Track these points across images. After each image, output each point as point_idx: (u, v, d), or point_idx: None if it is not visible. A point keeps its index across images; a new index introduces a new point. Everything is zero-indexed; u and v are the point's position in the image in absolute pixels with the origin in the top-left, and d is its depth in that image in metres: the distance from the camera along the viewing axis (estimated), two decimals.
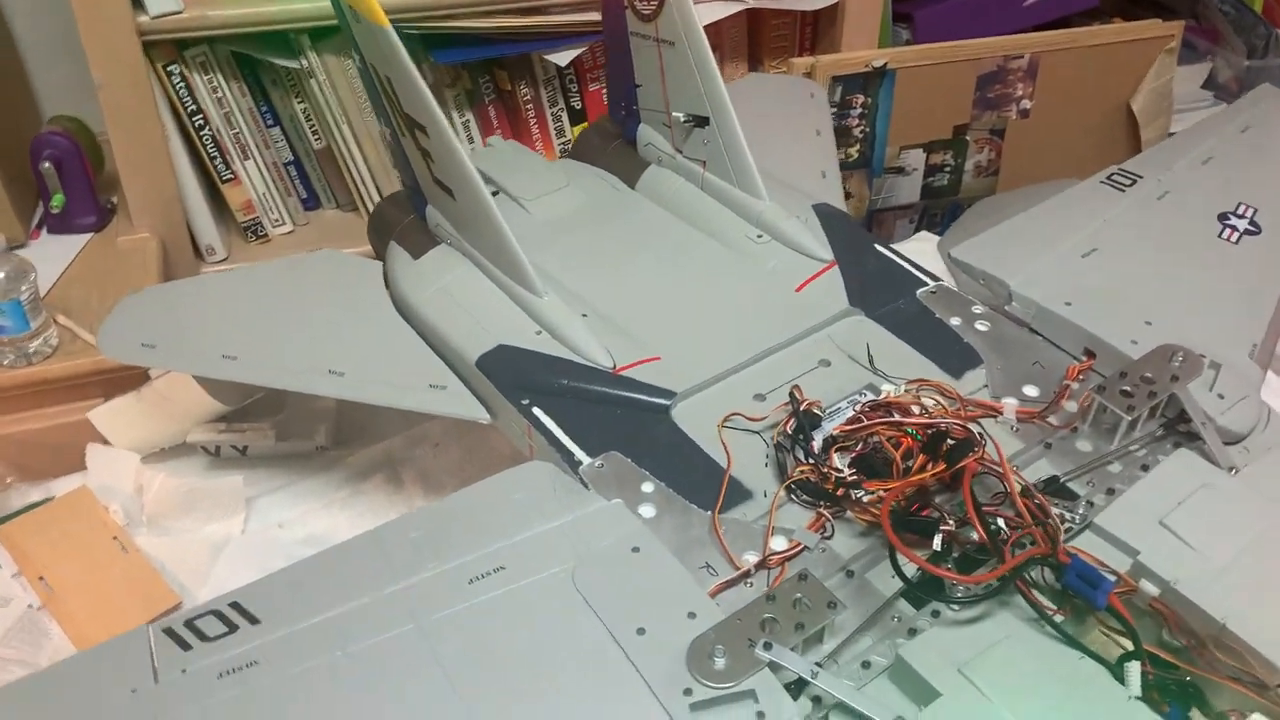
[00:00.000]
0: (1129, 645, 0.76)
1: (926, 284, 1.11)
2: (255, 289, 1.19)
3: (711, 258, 1.16)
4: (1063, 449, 0.93)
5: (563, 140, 1.82)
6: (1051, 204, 1.22)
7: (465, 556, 0.81)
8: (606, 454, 0.92)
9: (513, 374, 1.00)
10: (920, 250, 1.72)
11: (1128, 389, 0.93)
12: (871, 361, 1.01)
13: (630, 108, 1.29)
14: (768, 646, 0.73)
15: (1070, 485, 0.90)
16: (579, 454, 0.92)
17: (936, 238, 1.75)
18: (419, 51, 1.64)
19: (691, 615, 0.76)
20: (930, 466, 0.86)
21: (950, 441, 0.86)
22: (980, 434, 0.88)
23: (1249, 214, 1.19)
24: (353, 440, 1.30)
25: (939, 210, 2.02)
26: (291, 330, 1.12)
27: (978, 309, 1.08)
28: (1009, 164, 1.99)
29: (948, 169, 1.96)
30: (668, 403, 0.97)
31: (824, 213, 1.19)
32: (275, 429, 1.25)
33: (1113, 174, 1.27)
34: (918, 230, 2.02)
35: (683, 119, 1.19)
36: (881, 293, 1.10)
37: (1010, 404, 0.97)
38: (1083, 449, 0.93)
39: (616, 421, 0.96)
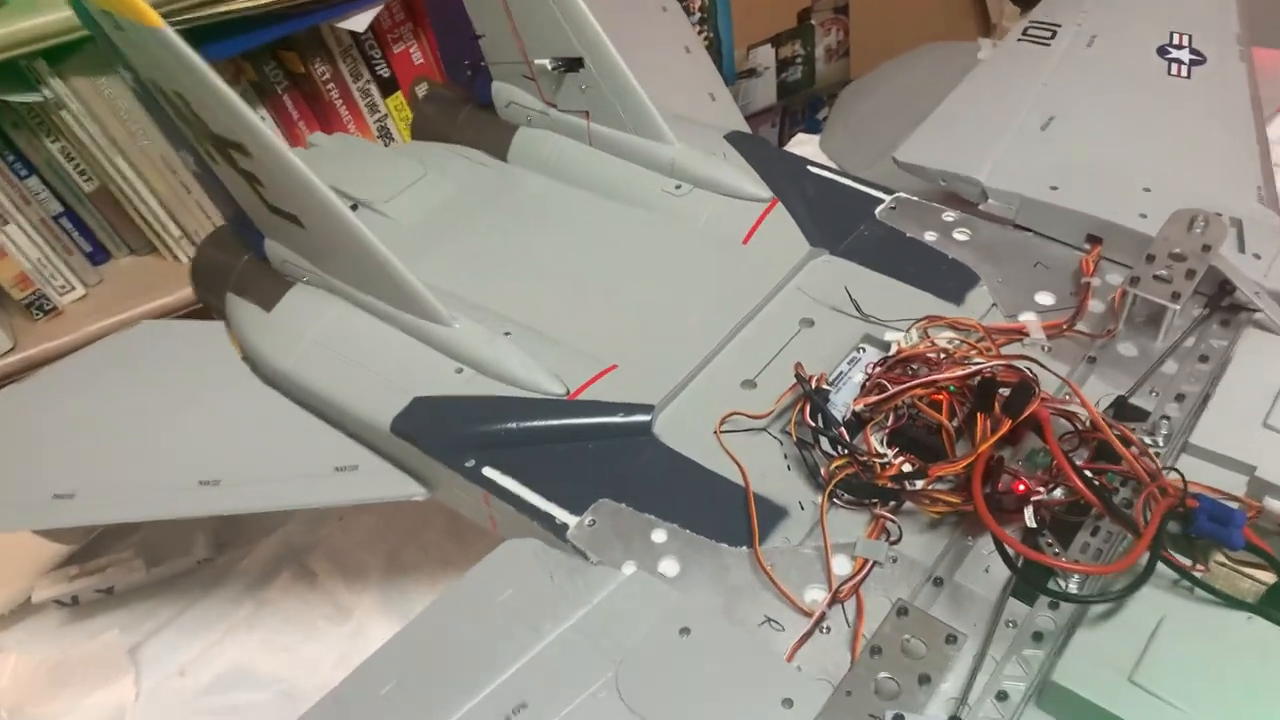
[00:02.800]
0: (1265, 579, 0.63)
1: (881, 199, 0.95)
2: (72, 394, 0.92)
3: (631, 226, 0.96)
4: (1108, 360, 0.80)
5: (377, 116, 1.56)
6: (979, 76, 1.07)
7: (465, 706, 0.61)
8: (595, 505, 0.72)
9: (443, 431, 0.79)
10: (807, 155, 1.57)
11: (1162, 273, 0.79)
12: (858, 307, 0.85)
13: (475, 64, 1.07)
14: (899, 719, 0.57)
15: (1136, 403, 0.76)
16: (560, 515, 0.73)
17: (814, 137, 1.59)
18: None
19: (788, 703, 0.59)
20: (989, 424, 0.70)
21: (1002, 389, 0.70)
22: (1030, 369, 0.72)
23: (1186, 42, 1.07)
24: (240, 540, 1.06)
25: (798, 108, 1.87)
26: (135, 440, 0.86)
27: (950, 215, 0.92)
28: (859, 42, 1.85)
29: (799, 60, 1.81)
30: (647, 419, 0.78)
31: (739, 142, 1.01)
32: (142, 554, 0.99)
33: (1027, 29, 1.13)
34: (783, 134, 1.86)
35: (549, 65, 0.98)
36: (839, 222, 0.93)
37: (1032, 320, 0.82)
38: (1127, 354, 0.80)
39: (592, 459, 0.76)
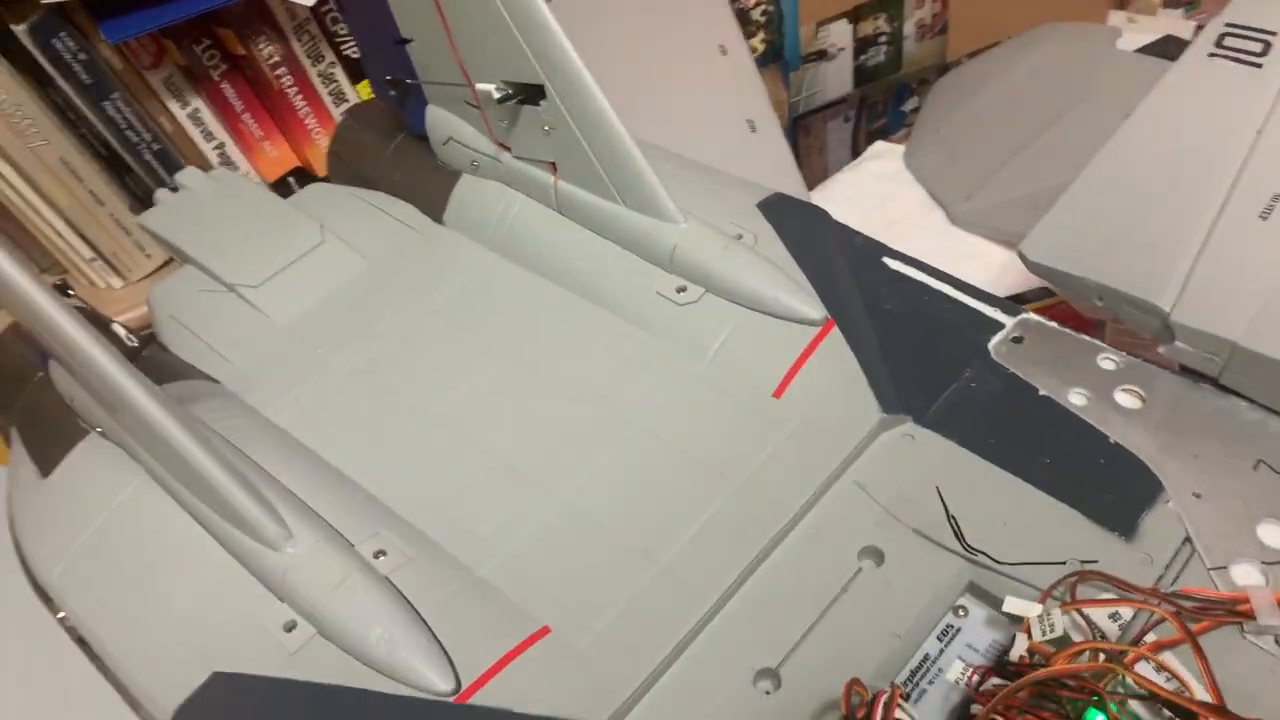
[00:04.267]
0: None
1: (1000, 323, 0.60)
2: None
3: (605, 350, 0.63)
4: None
5: (345, 107, 1.24)
6: (1147, 117, 0.71)
7: None
8: None
9: None
10: (881, 175, 1.21)
11: None
12: (959, 533, 0.51)
13: (402, 80, 0.73)
14: None
15: None
16: None
17: (898, 148, 1.23)
18: (88, 26, 1.06)
19: None
20: None
21: None
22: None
23: None
24: None
25: (880, 99, 1.50)
26: None
27: (1111, 360, 0.57)
28: (960, 16, 1.47)
29: (883, 39, 1.43)
30: None
31: (782, 214, 0.66)
32: None
33: (1222, 37, 0.76)
34: (858, 132, 1.49)
35: (496, 93, 0.64)
36: (931, 364, 0.58)
37: (1257, 587, 0.48)
38: None
39: None
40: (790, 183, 0.73)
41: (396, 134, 0.78)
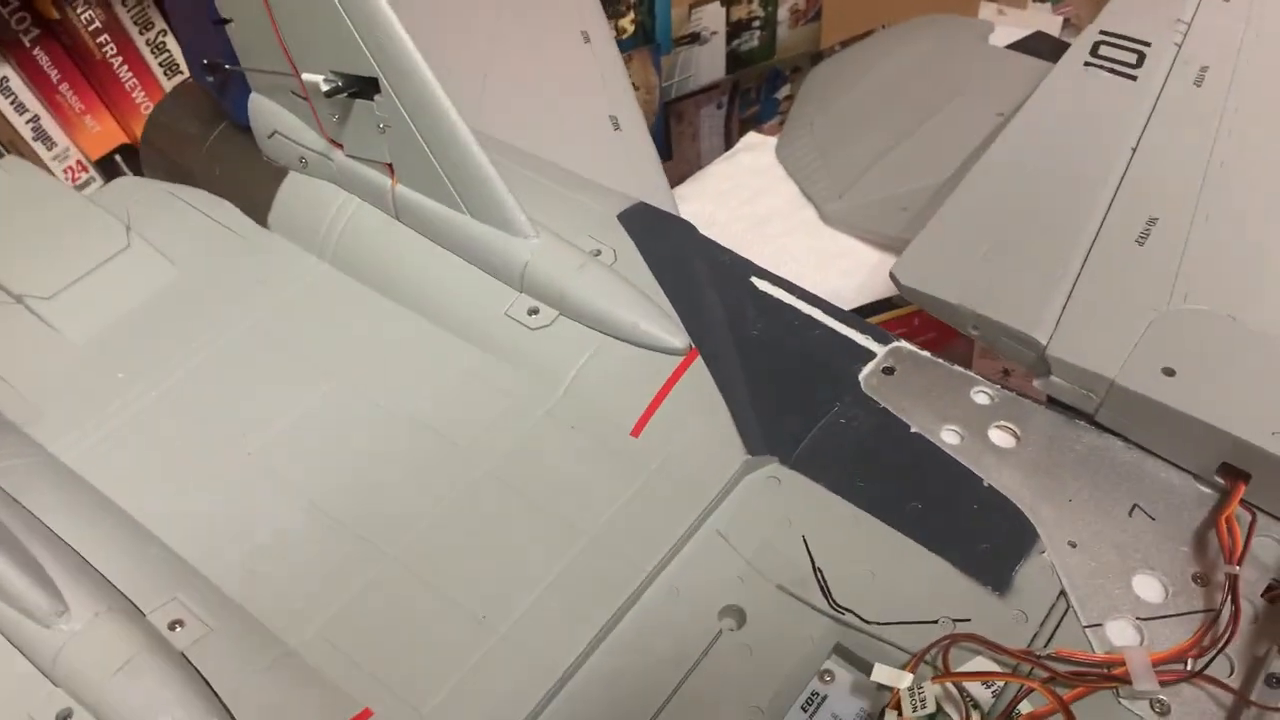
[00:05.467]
0: None
1: (872, 353, 0.56)
2: None
3: (443, 381, 0.56)
4: None
5: (181, 79, 1.13)
6: (1021, 130, 0.68)
7: None
8: None
9: None
10: (754, 169, 1.17)
11: None
12: (827, 591, 0.47)
13: (221, 64, 0.65)
14: None
15: None
16: None
17: (771, 140, 1.19)
18: None
19: None
20: None
21: None
22: None
23: None
24: None
25: (753, 85, 1.46)
26: None
27: (984, 393, 0.54)
28: (833, 3, 1.44)
29: (756, 24, 1.39)
30: None
31: (643, 227, 0.61)
32: None
33: (1097, 45, 0.74)
34: (731, 118, 1.45)
35: (324, 85, 0.57)
36: (798, 398, 0.54)
37: (1133, 652, 0.45)
38: None
39: None
40: (654, 188, 0.67)
41: (218, 123, 0.70)
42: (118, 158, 1.15)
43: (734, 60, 1.40)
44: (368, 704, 0.44)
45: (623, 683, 0.45)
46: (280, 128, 0.64)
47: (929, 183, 0.96)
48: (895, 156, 1.07)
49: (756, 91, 1.46)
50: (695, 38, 1.35)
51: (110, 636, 0.43)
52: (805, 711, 0.45)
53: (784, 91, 1.49)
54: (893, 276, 0.59)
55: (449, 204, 0.58)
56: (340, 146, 0.62)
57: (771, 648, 0.46)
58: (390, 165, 0.60)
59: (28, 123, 1.10)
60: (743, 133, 1.23)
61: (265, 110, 0.64)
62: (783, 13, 1.40)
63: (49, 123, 1.12)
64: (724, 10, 1.35)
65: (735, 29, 1.38)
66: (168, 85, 1.15)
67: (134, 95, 1.14)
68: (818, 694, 0.45)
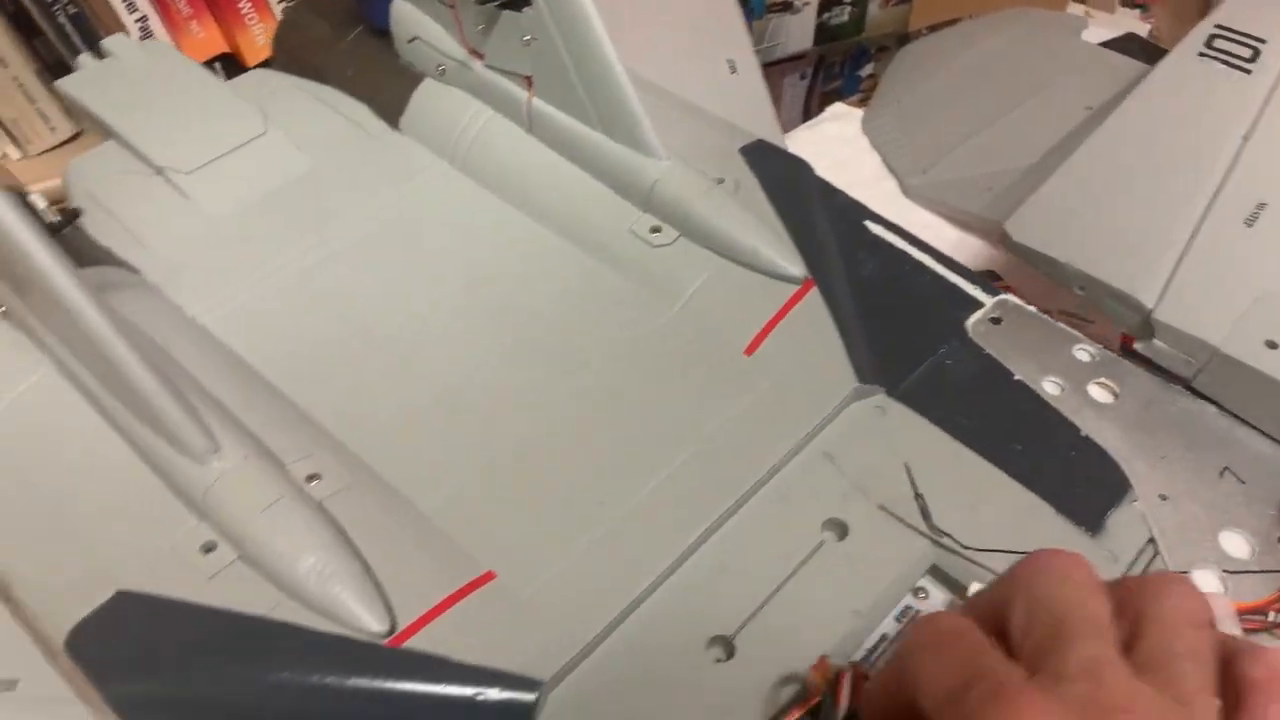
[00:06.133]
0: None
1: (980, 302, 0.58)
2: None
3: (568, 286, 0.59)
4: None
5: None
6: (1135, 113, 0.69)
7: None
8: None
9: (151, 672, 0.43)
10: (839, 138, 1.18)
11: None
12: (926, 513, 0.49)
13: None
14: None
15: None
16: None
17: (856, 112, 1.21)
18: None
19: None
20: None
21: None
22: None
23: None
24: None
25: (838, 60, 1.47)
26: None
27: (1086, 351, 0.56)
28: None
29: (849, 0, 1.40)
30: (528, 699, 0.42)
31: (764, 162, 0.63)
32: None
33: (1212, 38, 0.75)
34: (812, 91, 1.47)
35: None
36: (908, 337, 0.56)
37: (1218, 598, 0.47)
38: None
39: None
40: (769, 130, 0.69)
41: (353, 26, 0.72)
42: (216, 65, 1.18)
43: (822, 33, 1.41)
44: (491, 568, 0.46)
45: (730, 574, 0.47)
46: (422, 34, 0.66)
47: (1014, 166, 0.97)
48: (981, 139, 1.09)
49: (840, 67, 1.47)
50: (787, 6, 1.36)
51: (259, 477, 0.46)
52: (898, 622, 0.47)
53: (867, 70, 1.50)
54: (1004, 233, 0.60)
55: (584, 120, 0.60)
56: (480, 57, 0.64)
57: (870, 561, 0.48)
58: (529, 78, 0.62)
59: (136, 22, 1.13)
60: (823, 107, 1.25)
61: (408, 16, 0.67)
62: None
63: (156, 24, 1.14)
64: None
65: (827, 2, 1.39)
66: (276, 6, 1.17)
67: (240, 5, 1.16)
68: (911, 608, 0.48)
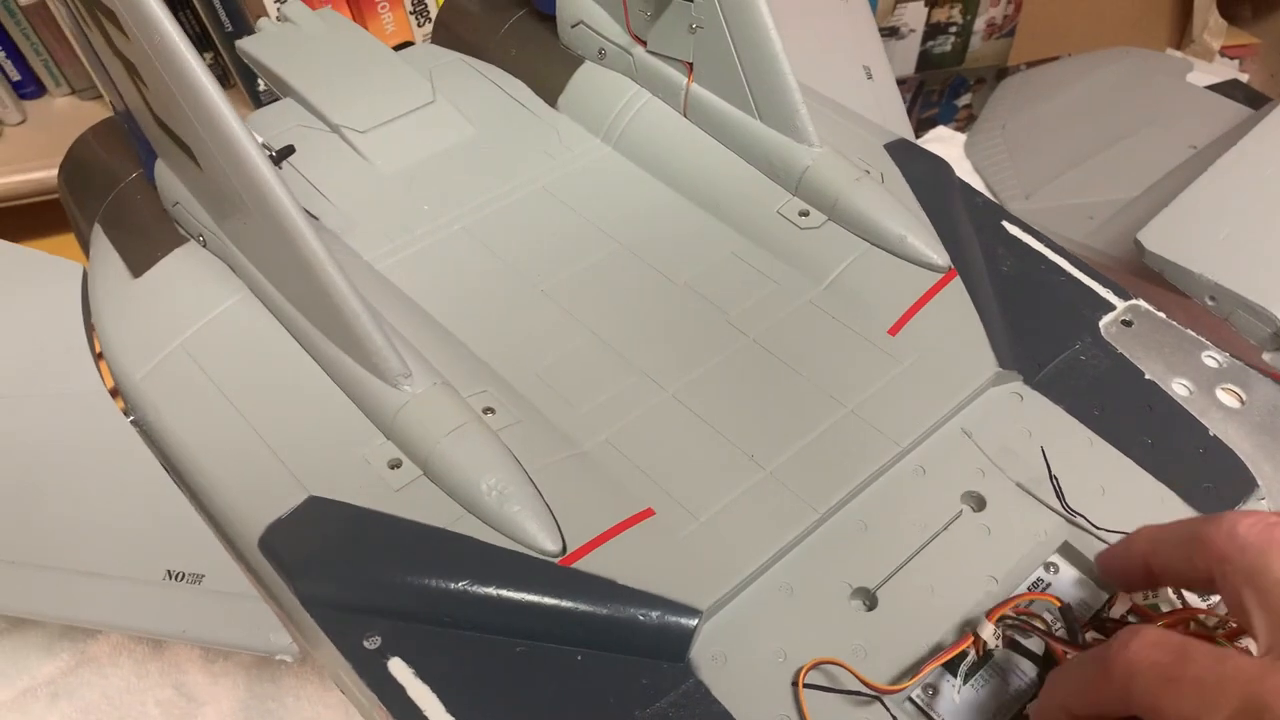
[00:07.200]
0: None
1: (1112, 304, 0.61)
2: None
3: (718, 260, 0.62)
4: None
5: None
6: (1270, 129, 0.72)
7: None
8: None
9: (339, 572, 0.46)
10: (948, 158, 1.21)
11: None
12: (1061, 494, 0.51)
13: None
14: None
15: None
16: None
17: (959, 135, 1.24)
18: None
19: None
20: None
21: None
22: None
23: None
24: None
25: (937, 88, 1.50)
26: None
27: (1214, 358, 0.58)
28: (1030, 22, 1.48)
29: (953, 29, 1.43)
30: (689, 624, 0.45)
31: (907, 159, 0.66)
32: None
33: None
34: (910, 117, 1.49)
35: None
36: (1044, 330, 0.59)
37: None
38: None
39: (573, 693, 0.44)
40: (903, 132, 0.72)
41: (515, 9, 0.76)
42: None
43: (924, 60, 1.45)
44: (650, 505, 0.49)
45: (873, 533, 0.50)
46: (586, 19, 0.70)
47: (1117, 197, 0.99)
48: (1087, 167, 1.11)
49: (939, 94, 1.50)
50: (894, 31, 1.39)
51: (445, 403, 0.49)
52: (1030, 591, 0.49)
53: (964, 100, 1.53)
54: (1137, 242, 0.63)
55: (742, 107, 0.64)
56: (643, 43, 0.68)
57: (1006, 533, 0.50)
58: (690, 65, 0.65)
59: (275, 2, 1.19)
60: (919, 133, 1.28)
61: (574, 2, 0.71)
62: (980, 23, 1.44)
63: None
64: (926, 10, 1.39)
65: (932, 30, 1.42)
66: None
67: (381, 9, 1.22)
68: (1043, 581, 0.50)
